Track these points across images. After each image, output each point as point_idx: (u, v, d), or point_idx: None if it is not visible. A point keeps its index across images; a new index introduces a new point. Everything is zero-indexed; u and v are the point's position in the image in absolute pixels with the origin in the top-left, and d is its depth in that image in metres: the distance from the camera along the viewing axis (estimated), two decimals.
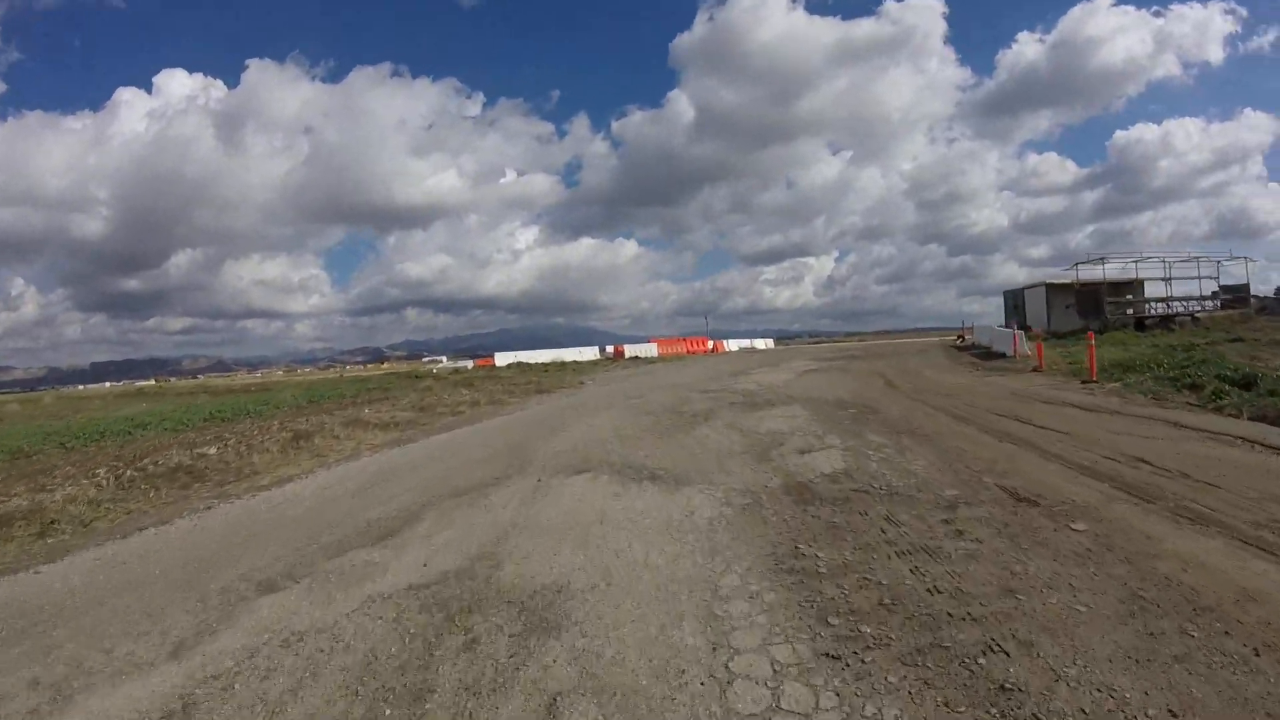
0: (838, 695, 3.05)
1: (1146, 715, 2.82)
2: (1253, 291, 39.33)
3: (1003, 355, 26.24)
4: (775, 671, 3.28)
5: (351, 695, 3.32)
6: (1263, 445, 7.86)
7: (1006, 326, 43.79)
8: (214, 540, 6.33)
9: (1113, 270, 38.31)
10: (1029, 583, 4.13)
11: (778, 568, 4.57)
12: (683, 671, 3.32)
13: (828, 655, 3.39)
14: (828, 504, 6.03)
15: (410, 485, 8.14)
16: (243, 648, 3.92)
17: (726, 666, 3.35)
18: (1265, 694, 2.91)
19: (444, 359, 62.02)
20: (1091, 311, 36.85)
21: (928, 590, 4.09)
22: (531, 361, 43.31)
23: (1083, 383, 15.66)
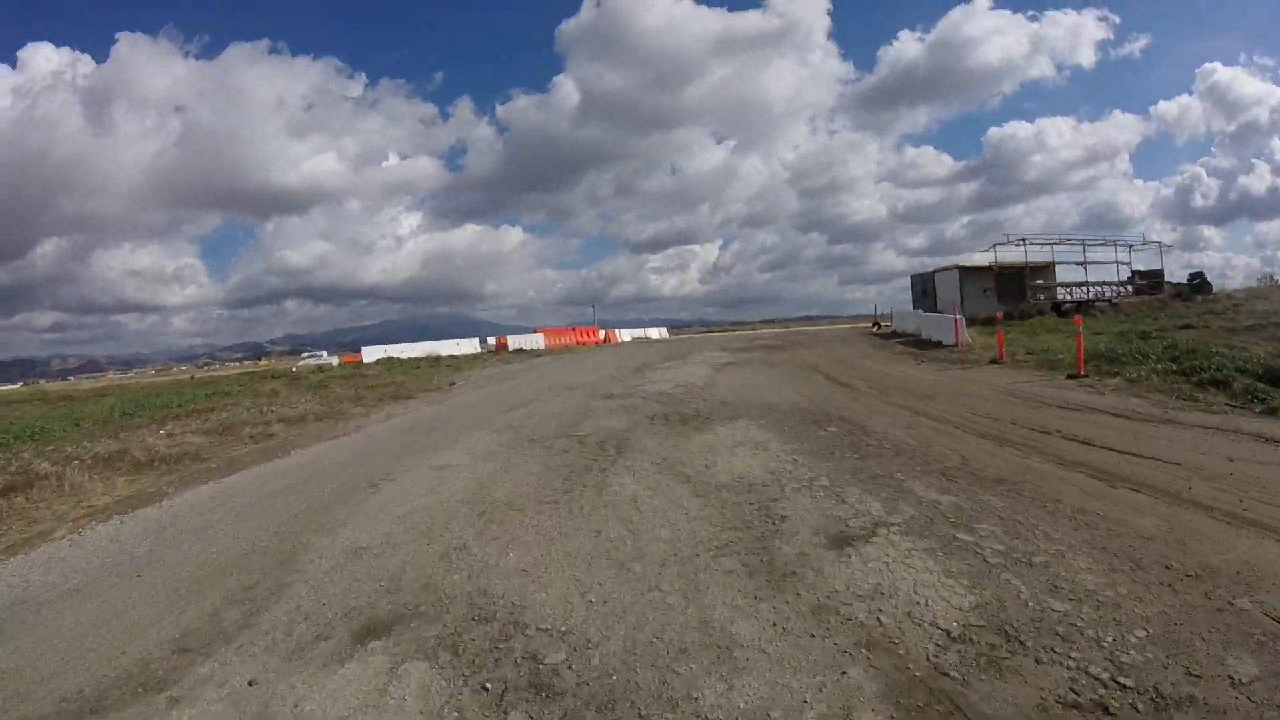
0: None
1: None
2: (1166, 277, 39.04)
3: (938, 344, 23.63)
4: None
5: None
6: None
7: (924, 311, 42.83)
8: None
9: (1036, 253, 37.01)
10: None
11: None
12: None
13: None
14: None
15: None
16: None
17: None
18: None
19: (324, 354, 55.23)
20: (1012, 295, 35.52)
21: None
22: (403, 357, 38.06)
23: (1069, 377, 13.32)
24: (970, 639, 3.15)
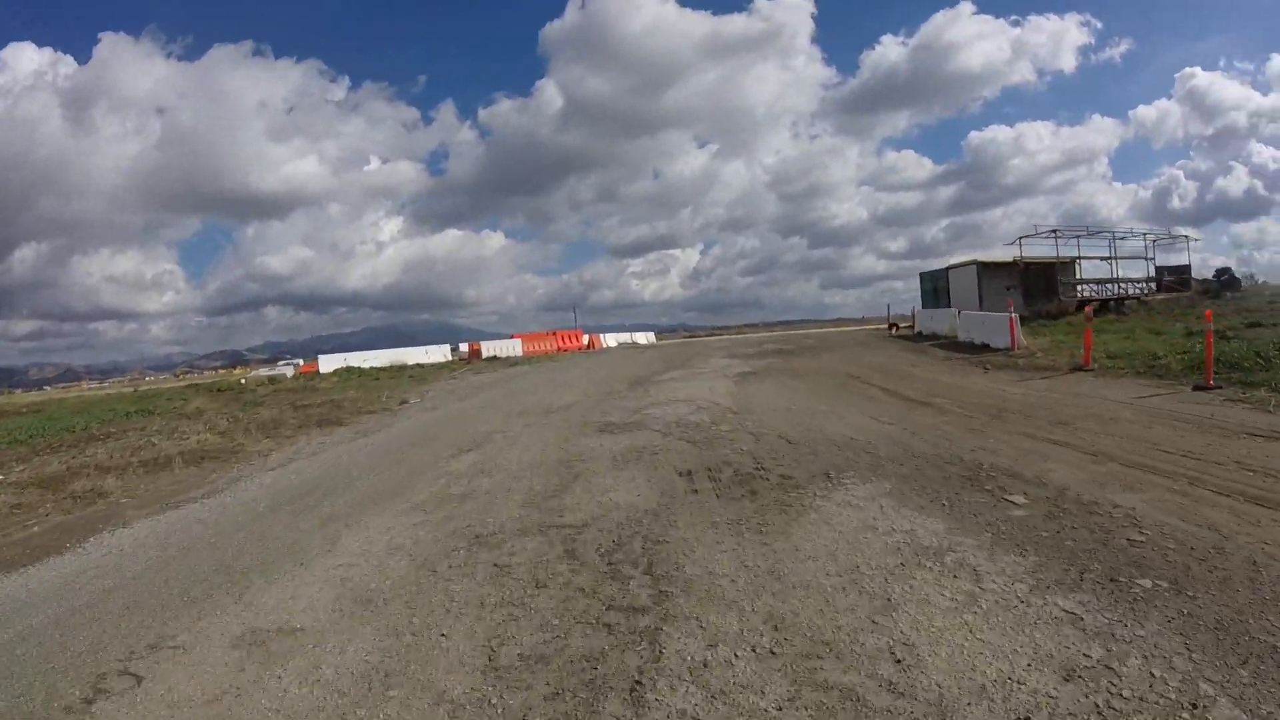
0: None
1: None
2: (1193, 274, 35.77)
3: (986, 347, 19.87)
4: None
5: None
6: None
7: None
8: None
9: (1049, 247, 33.47)
10: None
11: None
12: None
13: None
14: None
15: None
16: None
17: None
18: None
19: (300, 362, 50.65)
20: (1040, 293, 31.79)
21: None
22: (364, 366, 33.68)
23: (1197, 388, 10.26)
24: None
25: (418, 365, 31.81)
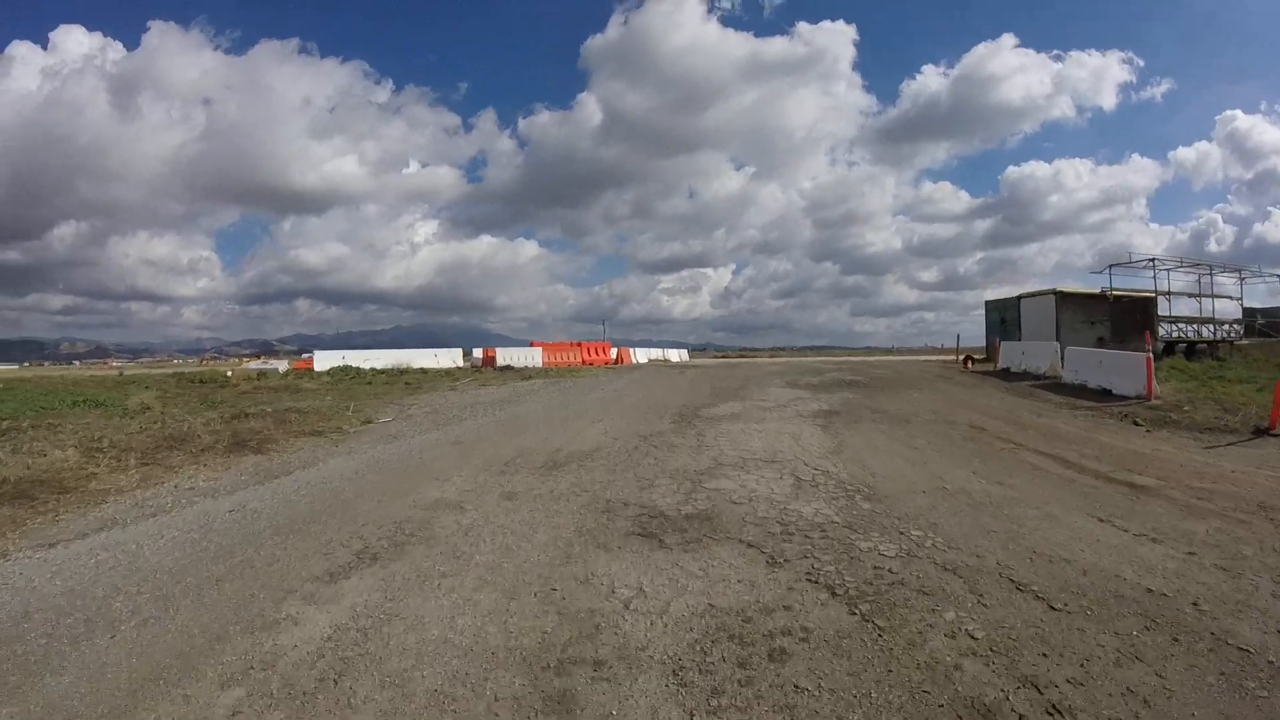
0: None
1: None
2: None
3: (1107, 393, 15.78)
4: None
5: None
6: None
7: (989, 342, 34.63)
8: None
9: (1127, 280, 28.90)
10: None
11: None
12: None
13: None
14: None
15: None
16: None
17: None
18: None
19: (287, 359, 47.40)
20: (1132, 331, 27.07)
21: None
22: (363, 367, 30.00)
23: None
24: None
25: (421, 370, 27.95)
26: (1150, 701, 2.63)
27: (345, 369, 28.95)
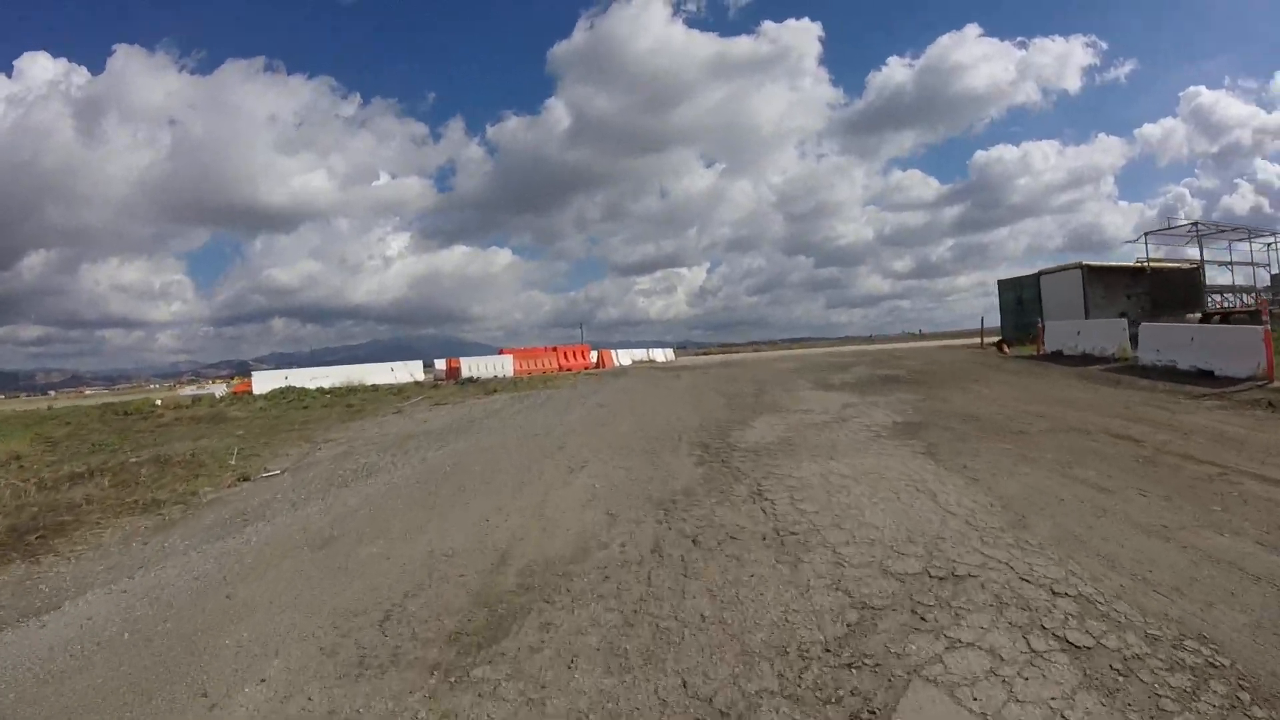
0: None
1: None
2: None
3: (1207, 375, 12.64)
4: None
5: None
6: None
7: (1013, 325, 31.41)
8: None
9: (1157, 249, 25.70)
10: None
11: None
12: None
13: None
14: None
15: None
16: None
17: None
18: None
19: (225, 382, 43.01)
20: (1175, 304, 23.94)
21: None
22: (309, 387, 26.04)
23: None
24: None
25: (373, 388, 24.02)
26: None
27: (286, 390, 24.99)
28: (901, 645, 2.97)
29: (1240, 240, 26.73)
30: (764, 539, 4.46)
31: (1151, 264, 25.63)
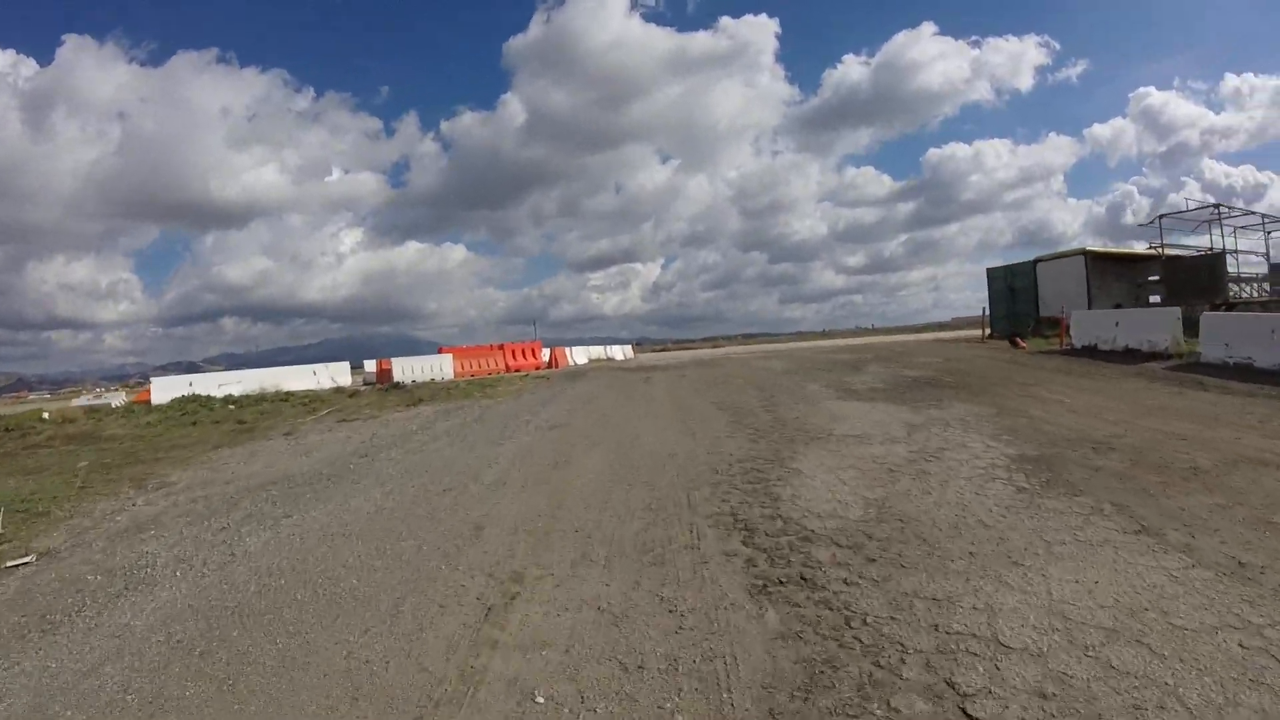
0: None
1: None
2: None
3: None
4: None
5: None
6: None
7: (1001, 317, 29.00)
8: None
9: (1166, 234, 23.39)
10: None
11: None
12: None
13: None
14: None
15: None
16: None
17: None
18: None
19: (126, 390, 38.50)
20: (1193, 293, 21.59)
21: None
22: (216, 395, 22.29)
23: None
24: None
25: (286, 397, 20.26)
26: None
27: (190, 400, 21.06)
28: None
29: (1255, 227, 24.58)
30: None
31: (1165, 250, 23.33)
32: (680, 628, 3.07)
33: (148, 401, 22.54)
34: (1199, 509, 4.17)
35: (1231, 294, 23.83)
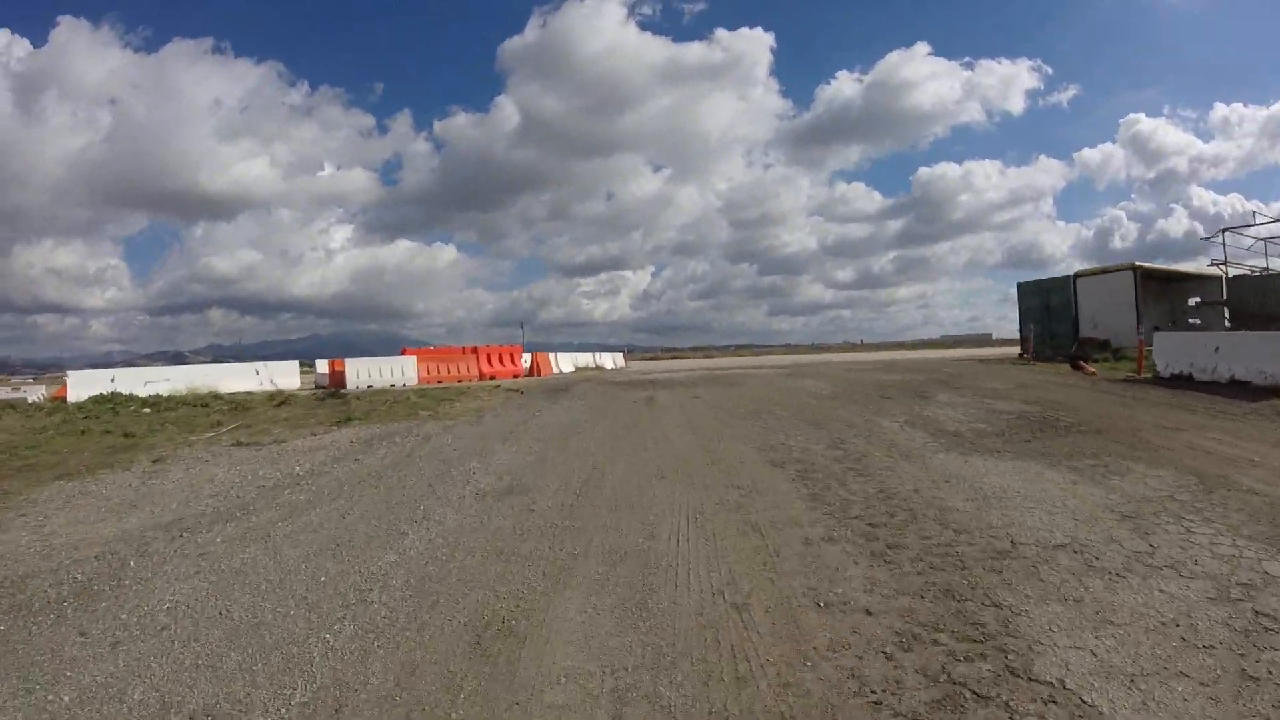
0: None
1: None
2: None
3: None
4: None
5: None
6: None
7: (1039, 335, 26.26)
8: None
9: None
10: None
11: None
12: None
13: None
14: None
15: None
16: None
17: None
18: None
19: (46, 384, 35.00)
20: (1261, 317, 18.93)
21: None
22: (139, 395, 19.15)
23: None
24: None
25: (211, 400, 16.97)
26: None
27: (106, 399, 17.84)
28: None
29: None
30: None
31: (1228, 267, 20.65)
32: None
33: (64, 398, 19.32)
34: None
35: None
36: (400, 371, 21.71)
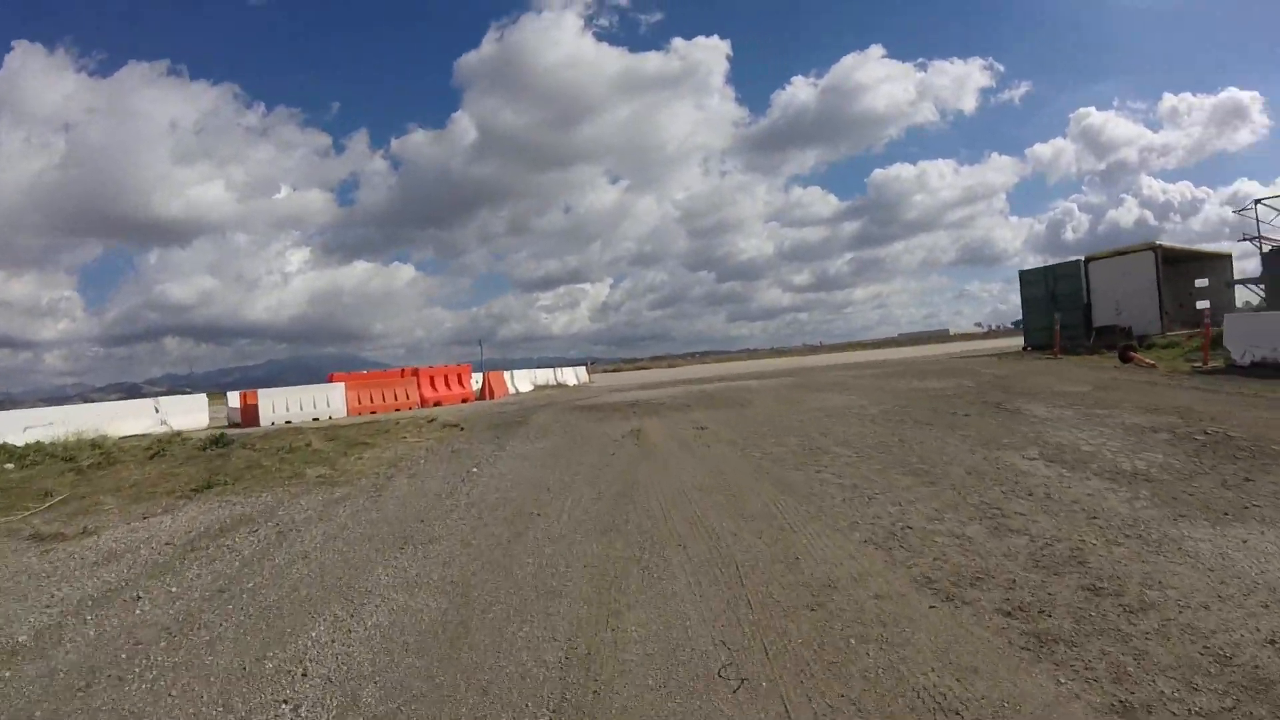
0: None
1: None
2: None
3: None
4: None
5: None
6: None
7: (1040, 328, 24.12)
8: None
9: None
10: None
11: None
12: None
13: None
14: None
15: None
16: None
17: None
18: None
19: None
20: None
21: None
22: (16, 444, 15.66)
23: None
24: None
25: (96, 450, 13.65)
26: None
27: None
28: None
29: None
30: None
31: (1265, 241, 18.63)
32: None
33: None
34: None
35: None
36: (325, 402, 18.49)
